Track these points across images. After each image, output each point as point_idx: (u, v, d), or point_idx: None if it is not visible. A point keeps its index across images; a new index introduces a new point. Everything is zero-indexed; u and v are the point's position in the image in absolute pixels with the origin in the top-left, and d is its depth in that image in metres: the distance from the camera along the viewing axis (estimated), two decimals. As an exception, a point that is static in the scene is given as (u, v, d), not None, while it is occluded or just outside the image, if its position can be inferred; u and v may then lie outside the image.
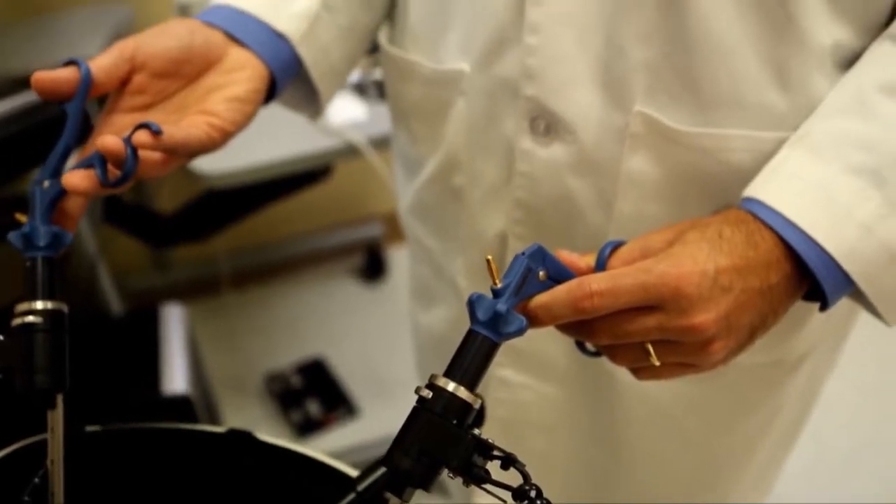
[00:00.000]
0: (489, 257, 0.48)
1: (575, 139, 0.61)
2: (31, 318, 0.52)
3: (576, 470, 0.81)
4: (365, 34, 0.74)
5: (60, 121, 1.17)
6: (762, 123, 0.57)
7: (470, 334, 0.46)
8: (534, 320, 0.50)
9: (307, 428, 1.75)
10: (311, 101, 0.73)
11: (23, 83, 1.24)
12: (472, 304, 0.47)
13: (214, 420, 1.39)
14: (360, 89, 1.40)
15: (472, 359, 0.46)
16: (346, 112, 1.33)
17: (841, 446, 1.75)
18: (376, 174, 1.36)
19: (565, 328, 0.52)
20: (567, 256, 0.55)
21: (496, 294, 0.47)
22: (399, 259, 2.21)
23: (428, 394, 0.45)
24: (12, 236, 0.54)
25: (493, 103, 0.65)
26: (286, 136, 1.22)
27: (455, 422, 0.44)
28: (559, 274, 0.51)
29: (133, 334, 1.20)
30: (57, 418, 0.53)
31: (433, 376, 0.45)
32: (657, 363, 0.51)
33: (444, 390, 0.44)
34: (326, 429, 1.76)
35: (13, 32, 1.53)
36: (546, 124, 0.61)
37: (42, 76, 0.55)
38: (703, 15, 0.54)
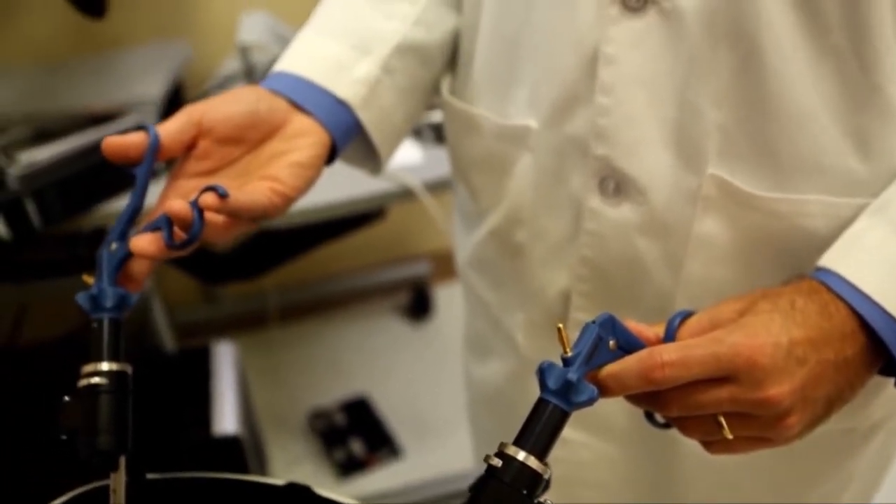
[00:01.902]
0: (560, 325, 0.47)
1: (645, 200, 0.60)
2: (96, 380, 0.53)
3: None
4: (425, 92, 0.75)
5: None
6: (840, 189, 0.56)
7: (540, 403, 0.46)
8: (604, 390, 0.49)
9: (350, 467, 1.74)
10: (371, 158, 0.74)
11: (85, 121, 1.28)
12: (543, 372, 0.46)
13: (261, 459, 1.39)
14: (416, 133, 1.41)
15: (542, 428, 0.45)
16: (402, 155, 1.34)
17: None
18: (426, 213, 1.37)
19: (635, 399, 0.51)
20: (636, 326, 0.54)
21: (566, 363, 0.47)
22: (445, 298, 2.20)
23: (498, 462, 0.44)
24: (80, 297, 0.55)
25: (561, 161, 0.65)
26: (341, 179, 1.22)
27: (525, 492, 0.44)
28: (629, 344, 0.50)
29: (185, 372, 1.21)
30: (119, 480, 0.53)
31: (503, 444, 0.45)
32: (730, 436, 0.49)
33: (514, 459, 0.44)
34: (369, 469, 1.74)
35: (75, 70, 1.57)
36: (616, 184, 0.61)
37: (112, 141, 0.57)
38: (781, 79, 0.53)
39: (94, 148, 1.18)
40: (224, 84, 1.48)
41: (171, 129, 0.58)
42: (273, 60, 1.42)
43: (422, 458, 1.75)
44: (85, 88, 1.48)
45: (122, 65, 1.59)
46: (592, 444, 0.75)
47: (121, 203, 1.19)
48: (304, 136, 0.63)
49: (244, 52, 1.41)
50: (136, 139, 0.57)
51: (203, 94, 1.48)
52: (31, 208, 1.10)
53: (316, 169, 0.63)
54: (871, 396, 0.65)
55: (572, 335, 0.48)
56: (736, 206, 0.58)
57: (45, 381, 1.21)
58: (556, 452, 0.77)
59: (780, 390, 0.47)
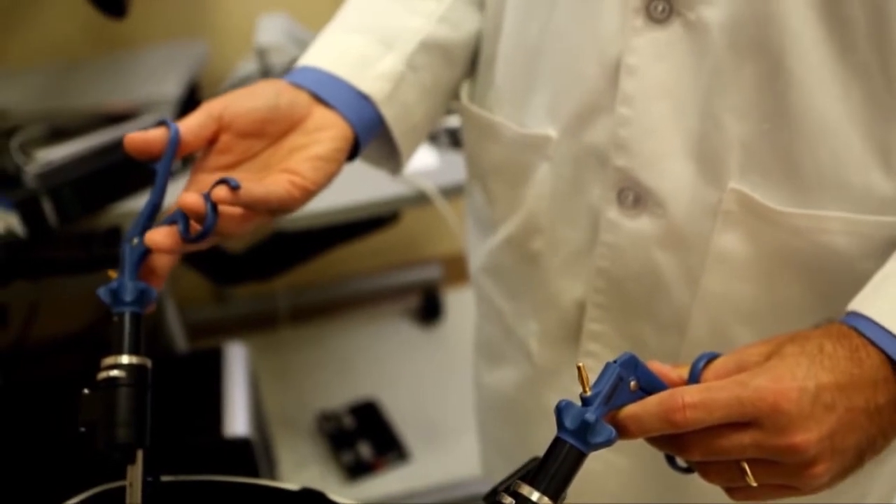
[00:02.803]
0: (580, 364, 0.46)
1: (664, 213, 0.60)
2: (115, 373, 0.53)
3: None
4: (447, 92, 0.74)
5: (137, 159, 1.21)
6: (863, 206, 0.55)
7: (557, 442, 0.45)
8: (623, 431, 0.48)
9: (358, 470, 1.74)
10: (391, 157, 0.73)
11: (102, 120, 1.29)
12: (561, 411, 0.45)
13: (271, 461, 1.39)
14: (432, 137, 1.41)
15: (558, 468, 0.44)
16: (418, 160, 1.33)
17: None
18: (438, 217, 1.36)
19: (656, 441, 0.50)
20: (659, 367, 0.52)
21: (585, 402, 0.46)
22: (456, 302, 2.20)
23: (510, 501, 0.44)
24: (101, 292, 0.55)
25: (580, 171, 0.64)
26: (357, 182, 1.22)
27: None
28: (651, 385, 0.49)
29: (196, 373, 1.21)
30: (136, 473, 0.53)
31: (517, 484, 0.45)
32: (754, 484, 0.47)
33: (528, 500, 0.44)
34: (377, 472, 1.74)
35: (92, 69, 1.58)
36: (634, 196, 0.61)
37: (134, 137, 0.57)
38: (805, 94, 0.53)
39: (111, 147, 1.18)
40: (240, 85, 1.48)
41: (192, 125, 0.58)
42: (290, 62, 1.43)
43: (429, 463, 1.75)
44: (102, 87, 1.49)
45: (140, 64, 1.59)
46: (603, 456, 0.74)
47: (137, 202, 1.20)
48: (325, 130, 0.63)
49: (261, 53, 1.41)
50: (158, 134, 0.57)
51: (219, 95, 1.49)
52: (47, 206, 1.10)
53: (337, 163, 0.63)
54: None
55: (588, 361, 0.47)
56: (756, 221, 0.57)
57: (57, 377, 1.22)
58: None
59: (806, 437, 0.46)
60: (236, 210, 0.57)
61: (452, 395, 1.86)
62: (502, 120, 0.69)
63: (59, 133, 1.27)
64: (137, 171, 1.18)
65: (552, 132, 0.65)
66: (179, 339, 1.58)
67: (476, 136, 0.74)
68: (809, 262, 0.57)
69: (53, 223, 1.12)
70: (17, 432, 1.10)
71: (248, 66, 1.53)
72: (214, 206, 0.54)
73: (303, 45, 1.46)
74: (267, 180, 0.59)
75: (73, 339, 1.77)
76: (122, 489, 0.54)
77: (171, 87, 1.43)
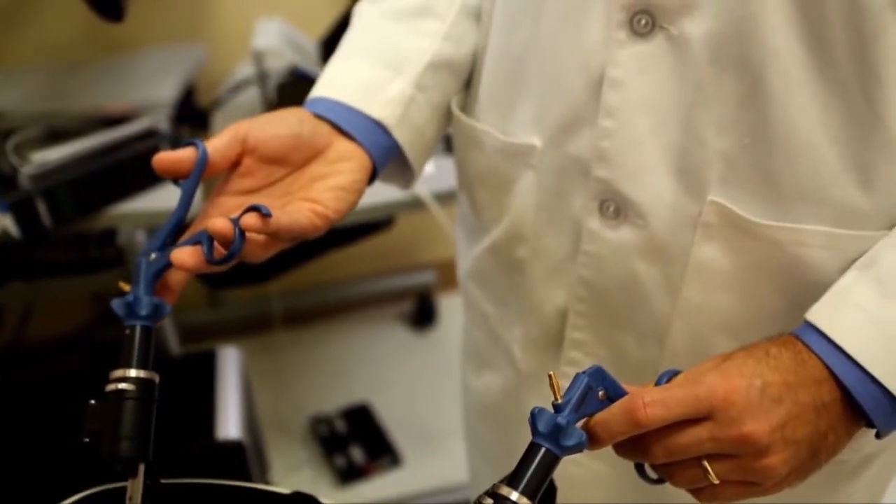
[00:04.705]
0: (551, 373, 0.50)
1: (645, 224, 0.61)
2: (123, 385, 0.54)
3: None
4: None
5: (135, 160, 1.21)
6: (841, 221, 0.56)
7: (532, 446, 0.48)
8: (593, 438, 0.51)
9: (350, 475, 1.74)
10: (404, 174, 0.75)
11: (97, 122, 1.29)
12: (534, 417, 0.49)
13: (263, 464, 1.39)
14: (425, 144, 1.42)
15: (534, 470, 0.47)
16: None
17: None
18: (432, 223, 1.37)
19: (622, 449, 0.53)
20: (628, 387, 0.55)
21: (557, 409, 0.49)
22: (450, 307, 2.21)
23: (490, 502, 0.46)
24: (115, 304, 0.56)
25: (563, 181, 0.65)
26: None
27: None
28: (617, 394, 0.52)
29: (190, 376, 1.21)
30: (137, 487, 0.54)
31: (496, 486, 0.47)
32: (716, 481, 0.50)
33: (506, 499, 0.46)
34: (369, 477, 1.75)
35: (89, 71, 1.58)
36: (616, 207, 0.62)
37: (163, 156, 0.59)
38: (785, 109, 0.54)
39: (107, 149, 1.19)
40: (237, 89, 1.49)
41: (219, 145, 0.60)
42: (286, 67, 1.44)
43: (421, 468, 1.76)
44: (98, 90, 1.49)
45: (136, 67, 1.60)
46: (584, 463, 0.76)
47: (132, 205, 1.20)
48: (346, 161, 0.64)
49: (258, 58, 1.42)
50: (186, 154, 0.59)
51: (216, 99, 1.50)
52: (41, 208, 1.11)
53: (357, 193, 0.65)
54: (862, 432, 0.65)
55: (569, 368, 0.50)
56: (736, 233, 0.58)
57: (52, 378, 1.22)
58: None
59: (756, 427, 0.48)
60: (261, 237, 0.58)
61: (445, 400, 1.86)
62: (488, 128, 0.70)
63: (55, 135, 1.28)
64: (132, 174, 1.19)
65: (536, 142, 0.66)
66: (173, 343, 1.59)
67: (464, 144, 0.75)
68: (788, 274, 0.58)
69: (48, 224, 1.12)
70: (13, 433, 1.11)
71: (245, 69, 1.54)
72: (242, 232, 0.55)
73: (299, 49, 1.47)
74: (290, 208, 0.60)
75: (69, 340, 1.78)
76: (118, 490, 0.55)
77: (167, 90, 1.44)
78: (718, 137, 0.56)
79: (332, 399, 1.95)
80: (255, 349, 2.04)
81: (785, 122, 0.54)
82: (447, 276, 2.22)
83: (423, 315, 2.21)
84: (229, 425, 1.08)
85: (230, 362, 1.21)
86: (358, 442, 1.82)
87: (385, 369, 2.06)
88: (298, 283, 2.15)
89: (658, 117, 0.58)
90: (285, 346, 2.11)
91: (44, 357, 1.72)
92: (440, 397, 1.90)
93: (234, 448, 1.06)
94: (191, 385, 1.18)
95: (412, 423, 1.87)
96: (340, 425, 1.87)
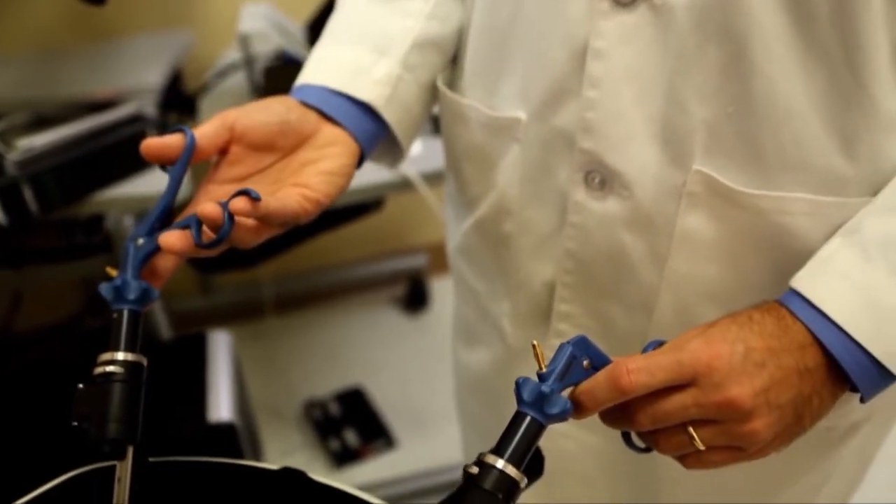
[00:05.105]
0: (535, 342, 0.50)
1: (630, 195, 0.61)
2: (111, 368, 0.54)
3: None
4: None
5: (121, 146, 1.21)
6: (825, 188, 0.56)
7: (517, 415, 0.49)
8: (578, 407, 0.51)
9: (344, 457, 1.75)
10: (392, 152, 0.75)
11: (84, 107, 1.29)
12: (519, 386, 0.49)
13: (256, 447, 1.40)
14: (414, 125, 1.41)
15: (519, 438, 0.48)
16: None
17: (881, 482, 1.69)
18: (423, 206, 1.37)
19: (608, 418, 0.53)
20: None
21: (541, 378, 0.49)
22: (442, 290, 2.21)
23: (476, 470, 0.47)
24: (103, 288, 0.57)
25: (548, 153, 0.65)
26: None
27: (501, 496, 0.46)
28: (602, 363, 0.52)
29: (180, 360, 1.21)
30: (125, 469, 0.54)
31: (482, 454, 0.48)
32: (701, 447, 0.50)
33: (492, 467, 0.47)
34: (363, 459, 1.76)
35: (75, 57, 1.57)
36: (601, 178, 0.62)
37: (151, 142, 0.59)
38: (769, 77, 0.54)
39: (93, 134, 1.18)
40: (224, 74, 1.48)
41: (207, 132, 0.61)
42: (273, 51, 1.43)
43: (416, 449, 1.77)
44: (85, 76, 1.48)
45: (123, 53, 1.59)
46: (576, 435, 0.76)
47: (119, 190, 1.20)
48: (334, 146, 0.65)
49: (244, 41, 1.42)
50: (175, 140, 0.59)
51: (203, 84, 1.49)
52: (28, 194, 1.10)
53: (347, 177, 0.65)
54: (848, 398, 0.65)
55: (557, 341, 0.51)
56: (720, 202, 0.58)
57: (41, 367, 1.22)
58: (540, 442, 0.79)
59: (740, 391, 0.49)
60: (250, 222, 0.58)
61: (438, 381, 1.86)
62: (473, 103, 0.70)
63: (42, 121, 1.27)
64: (119, 159, 1.19)
65: (522, 115, 0.66)
66: (165, 330, 1.58)
67: (451, 120, 0.75)
68: (773, 243, 0.58)
69: (35, 211, 1.12)
70: (2, 421, 1.11)
71: (232, 54, 1.53)
72: (231, 216, 0.56)
73: (286, 33, 1.46)
74: (280, 193, 0.60)
75: (58, 328, 1.77)
76: (107, 470, 0.55)
77: (154, 76, 1.43)
78: (702, 106, 0.56)
79: (326, 383, 1.95)
80: (247, 335, 2.04)
81: (768, 91, 0.54)
82: (439, 258, 2.22)
83: (415, 298, 2.21)
84: (221, 408, 1.08)
85: (221, 346, 1.21)
86: (352, 425, 1.83)
87: (378, 353, 2.07)
88: (290, 268, 2.15)
89: (642, 87, 0.58)
90: (278, 331, 2.11)
91: (34, 345, 1.71)
92: (433, 379, 1.91)
93: (226, 430, 1.06)
94: (182, 369, 1.18)
95: (406, 406, 1.88)
96: (334, 409, 1.88)
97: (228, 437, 1.07)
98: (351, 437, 1.80)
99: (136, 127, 1.22)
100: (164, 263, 0.60)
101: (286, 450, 1.78)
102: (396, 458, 1.76)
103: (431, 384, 1.90)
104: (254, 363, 1.95)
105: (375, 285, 2.28)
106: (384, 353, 2.07)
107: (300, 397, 1.91)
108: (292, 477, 0.60)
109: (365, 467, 1.74)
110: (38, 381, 1.18)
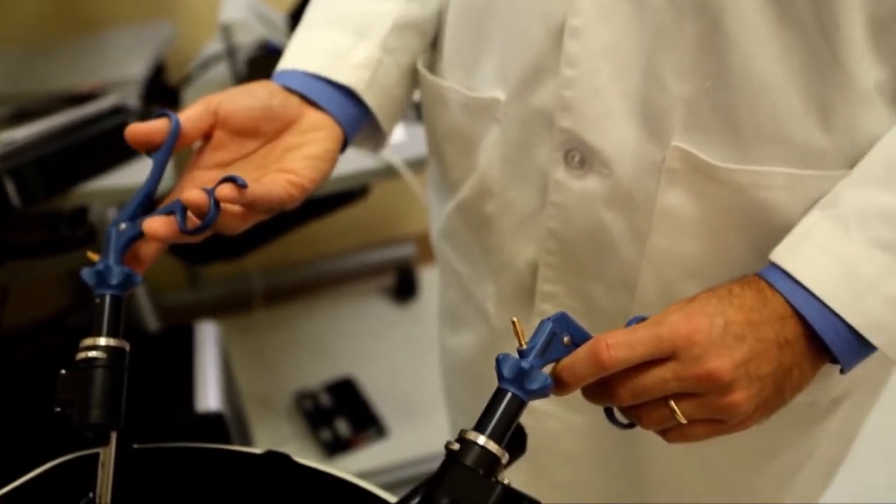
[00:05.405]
0: (515, 319, 0.50)
1: (610, 173, 0.61)
2: (93, 353, 0.54)
3: (602, 502, 0.81)
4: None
5: (104, 138, 1.20)
6: (803, 162, 0.56)
7: (498, 391, 0.49)
8: (560, 384, 0.51)
9: (336, 447, 1.76)
10: (374, 137, 0.75)
11: (66, 100, 1.28)
12: (499, 363, 0.49)
13: (245, 438, 1.40)
14: (398, 112, 1.41)
15: (500, 415, 0.48)
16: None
17: (881, 482, 1.71)
18: (410, 195, 1.37)
19: (590, 394, 0.53)
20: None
21: (522, 354, 0.49)
22: (430, 280, 2.21)
23: (457, 447, 0.47)
24: (85, 273, 0.56)
25: (528, 133, 0.65)
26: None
27: (482, 472, 0.46)
28: (582, 340, 0.52)
29: (168, 351, 1.21)
30: (109, 455, 0.54)
31: (463, 431, 0.48)
32: (683, 420, 0.51)
33: (474, 443, 0.47)
34: (355, 449, 1.76)
35: (56, 50, 1.57)
36: (581, 157, 0.62)
37: (136, 127, 0.59)
38: (745, 52, 0.54)
39: (75, 126, 1.17)
40: (206, 65, 1.48)
41: (191, 116, 0.61)
42: (256, 40, 1.42)
43: (407, 438, 1.77)
44: (67, 69, 1.48)
45: (105, 45, 1.58)
46: (561, 415, 0.76)
47: (102, 182, 1.19)
48: (317, 131, 0.65)
49: (226, 31, 1.41)
50: (159, 125, 0.59)
51: (186, 75, 1.48)
52: (10, 188, 1.10)
53: (331, 162, 0.65)
54: (831, 371, 0.66)
55: (533, 322, 0.50)
56: (700, 178, 0.58)
57: (30, 365, 1.22)
58: (525, 421, 0.79)
59: (720, 363, 0.49)
60: (236, 208, 0.58)
61: (428, 370, 1.85)
62: (453, 85, 0.70)
63: (23, 115, 1.26)
64: (102, 151, 1.18)
65: (501, 95, 0.66)
66: (152, 323, 1.58)
67: (431, 103, 0.75)
68: (753, 218, 0.58)
69: (17, 204, 1.11)
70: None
71: (214, 45, 1.53)
72: (217, 202, 0.55)
73: (268, 22, 1.46)
74: (265, 180, 0.60)
75: (46, 324, 1.77)
76: (91, 457, 0.55)
77: (136, 68, 1.42)
78: (679, 82, 0.56)
79: (316, 374, 1.95)
80: (236, 328, 2.04)
81: (744, 65, 0.54)
82: (427, 248, 2.21)
83: (404, 288, 2.21)
84: (209, 398, 1.08)
85: (208, 336, 1.21)
86: (343, 415, 1.83)
87: (368, 343, 2.07)
88: (278, 260, 2.15)
89: (619, 64, 0.58)
90: (267, 323, 2.11)
91: (21, 342, 1.71)
92: (423, 368, 1.90)
93: (214, 420, 1.06)
94: (169, 359, 1.18)
95: (396, 395, 1.88)
96: (325, 399, 1.88)
97: (217, 427, 1.07)
98: (342, 426, 1.80)
99: (118, 118, 1.21)
100: (147, 249, 0.59)
101: (278, 441, 1.77)
102: (388, 447, 1.76)
103: (422, 373, 1.90)
104: (244, 356, 1.95)
105: (364, 276, 2.28)
106: (374, 343, 2.07)
107: (291, 389, 1.91)
108: (277, 461, 0.60)
109: (356, 456, 1.74)
110: (26, 378, 1.18)
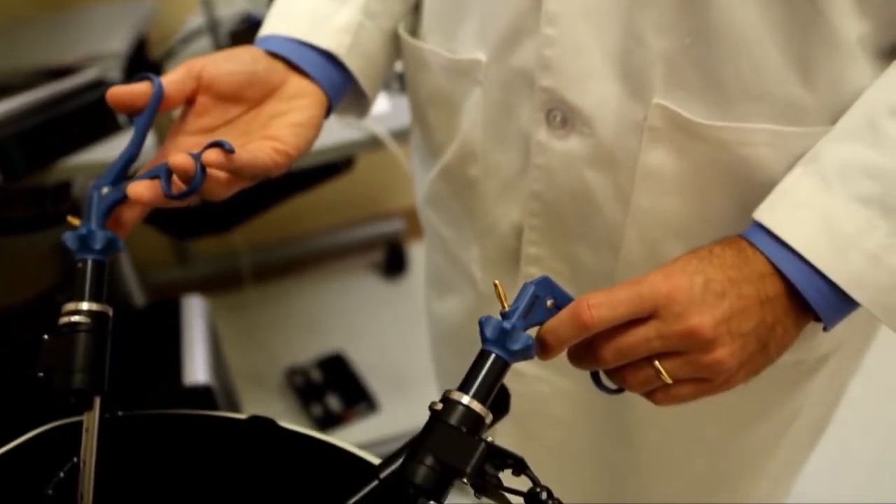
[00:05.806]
0: (497, 282, 0.50)
1: (592, 132, 0.60)
2: (76, 318, 0.53)
3: (590, 466, 0.81)
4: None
5: (85, 111, 1.18)
6: (785, 118, 0.56)
7: (482, 353, 0.49)
8: (544, 347, 0.51)
9: (327, 422, 1.76)
10: (358, 103, 0.75)
11: (46, 75, 1.26)
12: (482, 324, 0.49)
13: (235, 410, 1.40)
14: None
15: (484, 375, 0.48)
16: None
17: (866, 447, 1.73)
18: (397, 170, 1.36)
19: (575, 358, 0.53)
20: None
21: (504, 316, 0.49)
22: (419, 255, 2.21)
23: (441, 406, 0.47)
24: (67, 237, 0.55)
25: (509, 94, 0.65)
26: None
27: (465, 430, 0.46)
28: (565, 303, 0.52)
29: (155, 325, 1.21)
30: (92, 419, 0.53)
31: (447, 391, 0.48)
32: (668, 380, 0.51)
33: (458, 403, 0.47)
34: (346, 423, 1.76)
35: (37, 26, 1.55)
36: (562, 116, 0.61)
37: (117, 90, 0.58)
38: (726, 6, 0.53)
39: (55, 101, 1.16)
40: (188, 39, 1.46)
41: (174, 79, 0.60)
42: (238, 14, 1.41)
43: (398, 412, 1.78)
44: (48, 44, 1.46)
45: (87, 20, 1.57)
46: (549, 378, 0.76)
47: (85, 156, 1.18)
48: (302, 97, 0.64)
49: (208, 4, 1.40)
50: (141, 88, 0.58)
51: (168, 49, 1.47)
52: (-9, 163, 1.09)
53: (315, 129, 0.64)
54: (816, 328, 0.66)
55: (519, 285, 0.51)
56: (682, 135, 0.58)
57: (17, 347, 1.21)
58: (513, 386, 0.79)
59: (701, 320, 0.49)
60: (222, 174, 0.57)
61: (418, 345, 1.86)
62: (434, 48, 0.70)
63: (4, 90, 1.25)
64: (83, 125, 1.17)
65: (482, 56, 0.65)
66: (140, 301, 1.58)
67: (413, 68, 0.74)
68: (736, 176, 0.58)
69: (-1, 180, 1.10)
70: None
71: (197, 20, 1.51)
72: (203, 167, 0.55)
73: (250, -5, 1.44)
74: (250, 146, 0.59)
75: (33, 305, 1.76)
76: (75, 425, 0.55)
77: (118, 43, 1.40)
78: (660, 39, 0.56)
79: (307, 350, 1.96)
80: (226, 305, 2.04)
81: (725, 20, 0.54)
82: (415, 223, 2.21)
83: (393, 263, 2.21)
84: (197, 371, 1.08)
85: (195, 310, 1.21)
86: (334, 390, 1.84)
87: (358, 319, 2.07)
88: (266, 237, 2.14)
89: (599, 22, 0.57)
90: (256, 300, 2.11)
91: (9, 322, 1.70)
92: (414, 342, 1.90)
93: (202, 392, 1.06)
94: (157, 334, 1.18)
95: (387, 369, 1.88)
96: (316, 375, 1.88)
97: (205, 399, 1.07)
98: (333, 402, 1.81)
99: (99, 92, 1.19)
100: (129, 214, 0.59)
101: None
102: (379, 422, 1.77)
103: (411, 347, 1.90)
104: (233, 333, 1.95)
105: (353, 252, 2.28)
106: (364, 318, 2.07)
107: (281, 365, 1.91)
108: (261, 425, 0.60)
109: (348, 431, 1.74)
110: (13, 358, 1.17)
